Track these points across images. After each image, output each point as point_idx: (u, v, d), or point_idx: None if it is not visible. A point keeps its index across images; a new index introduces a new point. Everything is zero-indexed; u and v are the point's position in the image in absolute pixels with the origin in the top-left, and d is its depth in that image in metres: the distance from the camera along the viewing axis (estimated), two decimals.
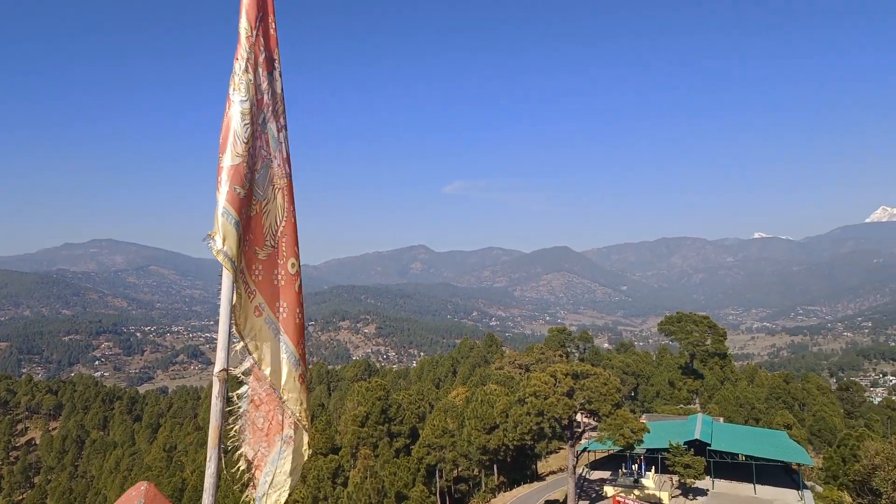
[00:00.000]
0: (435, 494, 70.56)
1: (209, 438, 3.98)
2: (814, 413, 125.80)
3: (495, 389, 77.53)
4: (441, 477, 73.98)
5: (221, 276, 4.02)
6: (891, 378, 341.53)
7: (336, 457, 70.50)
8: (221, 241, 3.97)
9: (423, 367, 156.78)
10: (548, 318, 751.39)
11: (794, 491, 56.62)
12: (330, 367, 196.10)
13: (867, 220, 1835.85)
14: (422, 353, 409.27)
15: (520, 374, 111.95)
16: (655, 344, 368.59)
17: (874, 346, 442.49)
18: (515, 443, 57.61)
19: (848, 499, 62.88)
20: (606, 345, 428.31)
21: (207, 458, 4.02)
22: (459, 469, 77.14)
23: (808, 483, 65.36)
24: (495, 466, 73.63)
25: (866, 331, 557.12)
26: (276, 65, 4.50)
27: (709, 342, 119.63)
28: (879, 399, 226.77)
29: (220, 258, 3.96)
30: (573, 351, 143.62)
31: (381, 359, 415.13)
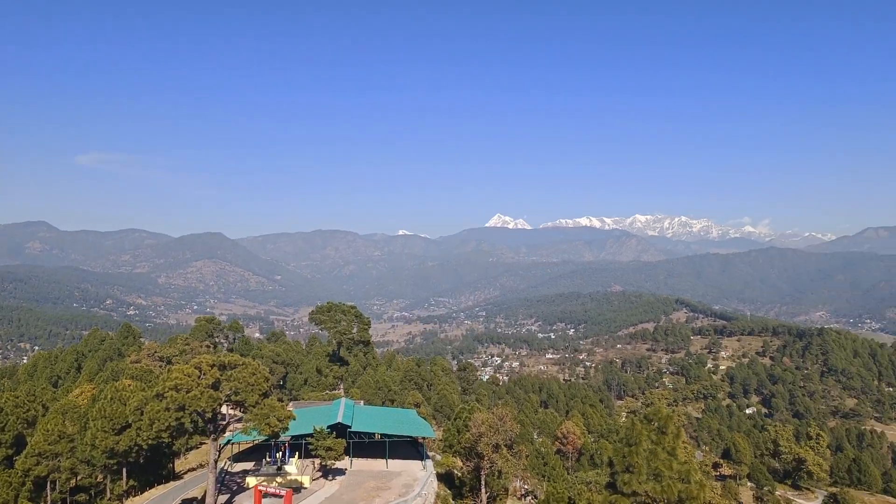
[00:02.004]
0: None
1: None
2: (438, 391, 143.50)
3: (130, 385, 70.16)
4: (54, 489, 63.98)
5: None
6: (496, 359, 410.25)
7: None
8: None
9: (37, 364, 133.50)
10: (196, 308, 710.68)
11: (419, 461, 63.68)
12: None
13: (486, 225, 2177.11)
14: (36, 348, 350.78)
15: (160, 367, 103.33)
16: (307, 333, 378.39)
17: (486, 333, 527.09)
18: (150, 442, 52.76)
19: (459, 463, 73.18)
20: (258, 334, 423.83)
21: None
22: (79, 477, 67.78)
23: (431, 453, 74.24)
24: (124, 470, 66.55)
25: (481, 319, 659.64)
26: None
27: (355, 331, 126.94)
28: (487, 376, 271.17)
29: None
30: (222, 341, 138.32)
31: None
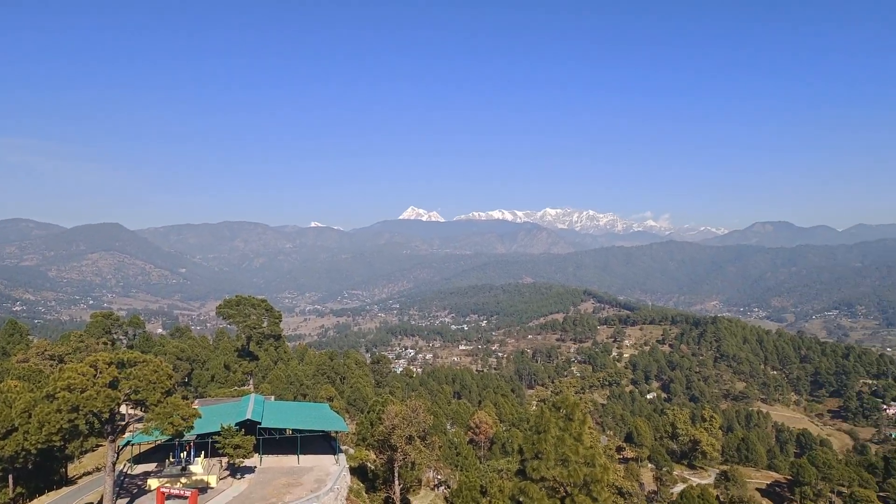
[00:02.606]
0: None
1: None
2: (351, 385, 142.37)
3: (16, 386, 65.21)
4: None
5: None
6: (410, 350, 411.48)
7: None
8: None
9: None
10: (92, 303, 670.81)
11: (332, 456, 62.90)
12: None
13: (400, 217, 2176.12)
14: None
15: (52, 366, 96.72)
16: (214, 328, 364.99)
17: (400, 325, 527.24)
18: (40, 445, 49.31)
19: (373, 456, 72.97)
20: (161, 330, 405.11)
21: None
22: None
23: (344, 447, 73.54)
24: (10, 477, 61.91)
25: (395, 311, 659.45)
26: None
27: (266, 324, 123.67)
28: (401, 369, 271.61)
29: None
30: (121, 338, 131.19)
31: None
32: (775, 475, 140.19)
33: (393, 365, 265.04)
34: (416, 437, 63.05)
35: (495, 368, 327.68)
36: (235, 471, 56.11)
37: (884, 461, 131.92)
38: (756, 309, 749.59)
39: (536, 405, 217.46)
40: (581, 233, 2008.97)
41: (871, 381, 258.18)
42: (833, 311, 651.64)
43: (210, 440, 56.80)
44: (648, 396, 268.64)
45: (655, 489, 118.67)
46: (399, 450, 61.45)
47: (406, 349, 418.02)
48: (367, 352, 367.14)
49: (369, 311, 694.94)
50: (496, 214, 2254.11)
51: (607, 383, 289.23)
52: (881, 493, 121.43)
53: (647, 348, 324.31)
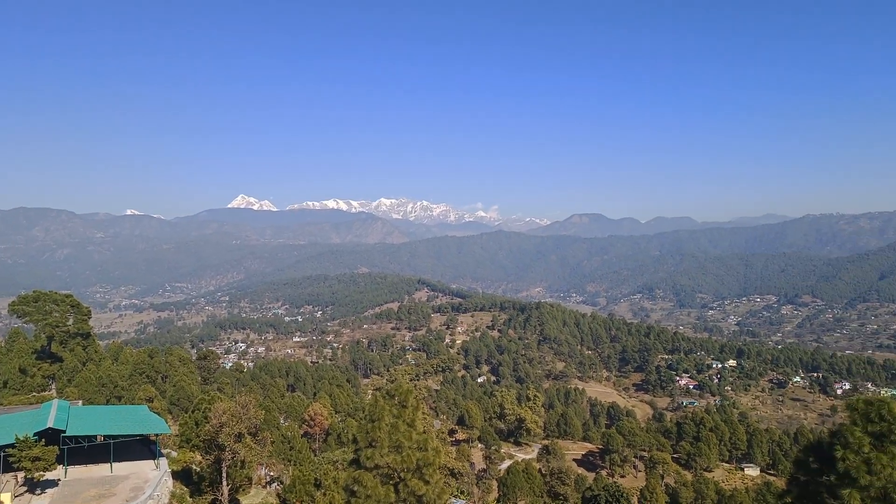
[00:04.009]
0: None
1: None
2: (175, 383, 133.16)
3: None
4: None
5: None
6: (241, 344, 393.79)
7: None
8: None
9: None
10: None
11: (151, 461, 58.32)
12: None
13: (229, 206, 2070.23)
14: None
15: None
16: (6, 328, 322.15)
17: (230, 318, 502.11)
18: None
19: (198, 457, 68.84)
20: None
21: None
22: None
23: (166, 451, 68.52)
24: None
25: (224, 304, 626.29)
26: None
27: (71, 322, 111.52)
28: (231, 364, 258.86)
29: None
30: None
31: None
32: (590, 446, 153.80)
33: (222, 360, 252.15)
34: (246, 434, 60.38)
35: (331, 359, 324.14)
36: (34, 486, 49.99)
37: (677, 426, 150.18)
38: (574, 294, 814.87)
39: (372, 394, 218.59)
40: (415, 223, 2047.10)
41: (667, 357, 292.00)
42: (637, 295, 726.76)
43: (2, 454, 50.08)
44: (479, 380, 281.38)
45: (485, 467, 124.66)
46: (227, 449, 58.51)
47: (237, 343, 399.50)
48: (193, 347, 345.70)
49: (195, 304, 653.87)
50: (331, 204, 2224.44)
51: (441, 369, 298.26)
52: (675, 455, 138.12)
53: (477, 334, 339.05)
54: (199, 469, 67.46)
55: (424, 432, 31.18)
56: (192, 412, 75.71)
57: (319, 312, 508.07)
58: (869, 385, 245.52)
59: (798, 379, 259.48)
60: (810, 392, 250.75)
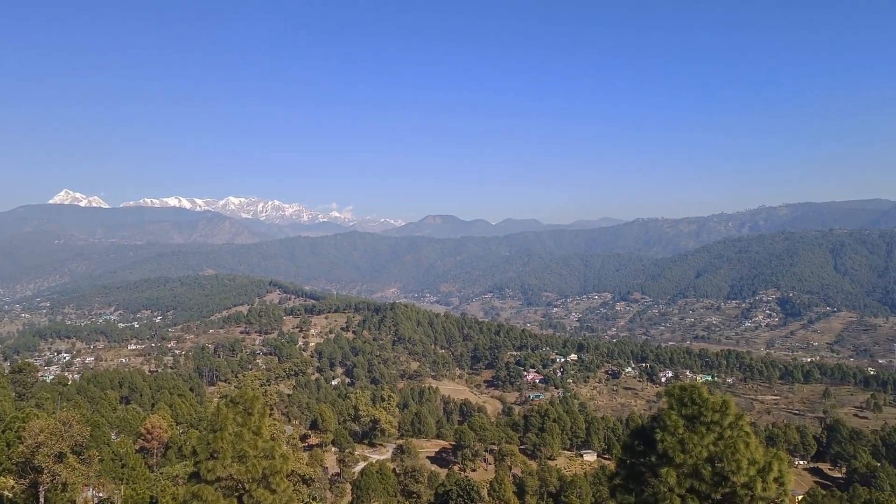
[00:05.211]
0: None
1: None
2: None
3: None
4: None
5: None
6: (65, 355, 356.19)
7: None
8: None
9: None
10: None
11: None
12: None
13: (51, 202, 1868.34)
14: None
15: None
16: None
17: (51, 326, 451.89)
18: None
19: (11, 482, 60.88)
20: None
21: None
22: None
23: None
24: None
25: (44, 311, 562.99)
26: None
27: None
28: (53, 377, 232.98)
29: None
30: None
31: None
32: (443, 442, 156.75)
33: (42, 373, 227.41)
34: (68, 454, 54.34)
35: (172, 367, 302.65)
36: None
37: (524, 419, 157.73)
38: (428, 294, 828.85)
39: (216, 402, 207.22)
40: (267, 223, 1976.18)
41: (515, 353, 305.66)
42: (489, 294, 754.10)
43: None
44: (333, 382, 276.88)
45: (339, 471, 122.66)
46: (46, 471, 52.29)
47: (59, 353, 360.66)
48: (7, 360, 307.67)
49: (9, 311, 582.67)
50: (172, 202, 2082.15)
51: (293, 373, 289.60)
52: (522, 446, 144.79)
53: (332, 336, 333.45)
54: (11, 495, 59.81)
55: (273, 439, 29.58)
56: (3, 432, 67.09)
57: (159, 317, 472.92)
58: (687, 372, 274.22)
59: (630, 369, 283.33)
60: (640, 381, 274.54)
